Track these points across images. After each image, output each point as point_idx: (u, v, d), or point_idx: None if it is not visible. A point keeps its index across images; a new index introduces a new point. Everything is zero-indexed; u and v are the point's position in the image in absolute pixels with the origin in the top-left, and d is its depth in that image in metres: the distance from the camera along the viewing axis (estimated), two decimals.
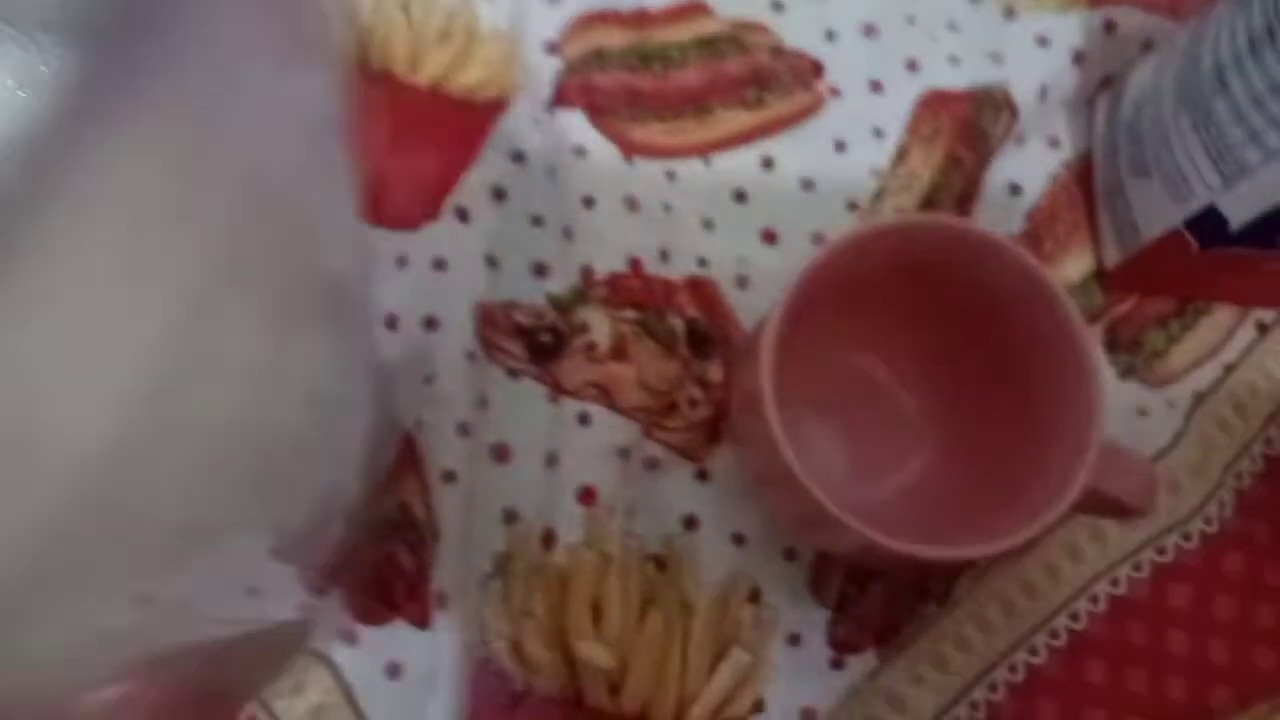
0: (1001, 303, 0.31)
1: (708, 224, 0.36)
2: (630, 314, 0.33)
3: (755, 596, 0.34)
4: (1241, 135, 0.31)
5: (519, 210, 0.35)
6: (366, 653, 0.32)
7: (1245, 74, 0.30)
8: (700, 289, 0.35)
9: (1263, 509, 0.36)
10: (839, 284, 0.30)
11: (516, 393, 0.34)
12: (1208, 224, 0.33)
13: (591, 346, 0.33)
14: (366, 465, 0.22)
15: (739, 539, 0.34)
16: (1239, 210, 0.32)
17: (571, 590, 0.32)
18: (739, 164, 0.37)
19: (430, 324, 0.33)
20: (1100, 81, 0.39)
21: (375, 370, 0.23)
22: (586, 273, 0.34)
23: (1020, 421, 0.31)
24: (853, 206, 0.37)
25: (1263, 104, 0.30)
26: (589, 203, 0.34)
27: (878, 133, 0.37)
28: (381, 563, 0.33)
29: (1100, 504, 0.29)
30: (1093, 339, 0.29)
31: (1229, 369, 0.38)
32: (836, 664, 0.33)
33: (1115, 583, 0.35)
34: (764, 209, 0.37)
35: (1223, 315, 0.38)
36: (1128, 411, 0.36)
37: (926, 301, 0.32)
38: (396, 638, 0.32)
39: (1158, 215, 0.35)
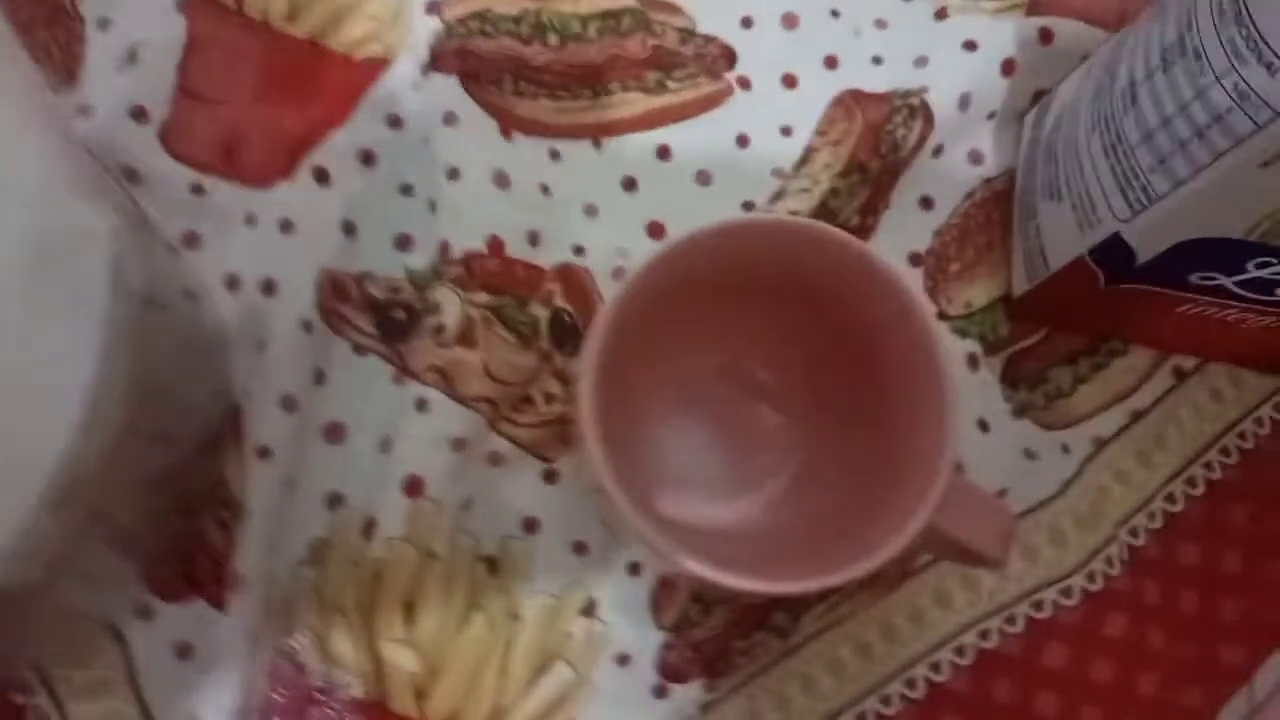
0: (863, 316, 0.29)
1: (590, 211, 0.34)
2: (483, 298, 0.32)
3: (590, 610, 0.32)
4: (1150, 160, 0.29)
5: (388, 178, 0.33)
6: (159, 629, 0.31)
7: (1155, 91, 0.28)
8: (572, 278, 0.33)
9: (1156, 569, 0.34)
10: (690, 285, 0.28)
11: (360, 370, 0.32)
12: (1113, 255, 0.31)
13: (439, 329, 0.31)
14: (97, 424, 0.21)
15: (580, 547, 0.32)
16: (1146, 242, 0.30)
17: (384, 586, 0.30)
18: (632, 150, 0.35)
19: (268, 288, 0.31)
20: (1032, 97, 0.37)
21: (111, 324, 0.21)
22: (443, 249, 0.32)
23: (880, 447, 0.29)
24: (748, 206, 0.35)
25: (1171, 125, 0.28)
26: (454, 174, 0.32)
27: (785, 130, 0.35)
28: (188, 536, 0.31)
29: (950, 548, 0.27)
30: (950, 364, 0.27)
31: (1137, 416, 0.36)
32: (660, 692, 0.31)
33: (985, 635, 0.33)
34: (654, 200, 0.35)
35: (1139, 358, 0.36)
36: (1014, 453, 0.34)
37: (791, 310, 0.30)
38: (193, 618, 0.31)
39: (1065, 243, 0.32)
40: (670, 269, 0.27)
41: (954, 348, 0.35)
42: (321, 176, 0.33)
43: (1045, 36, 0.36)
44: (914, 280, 0.35)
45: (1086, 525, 0.34)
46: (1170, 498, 0.35)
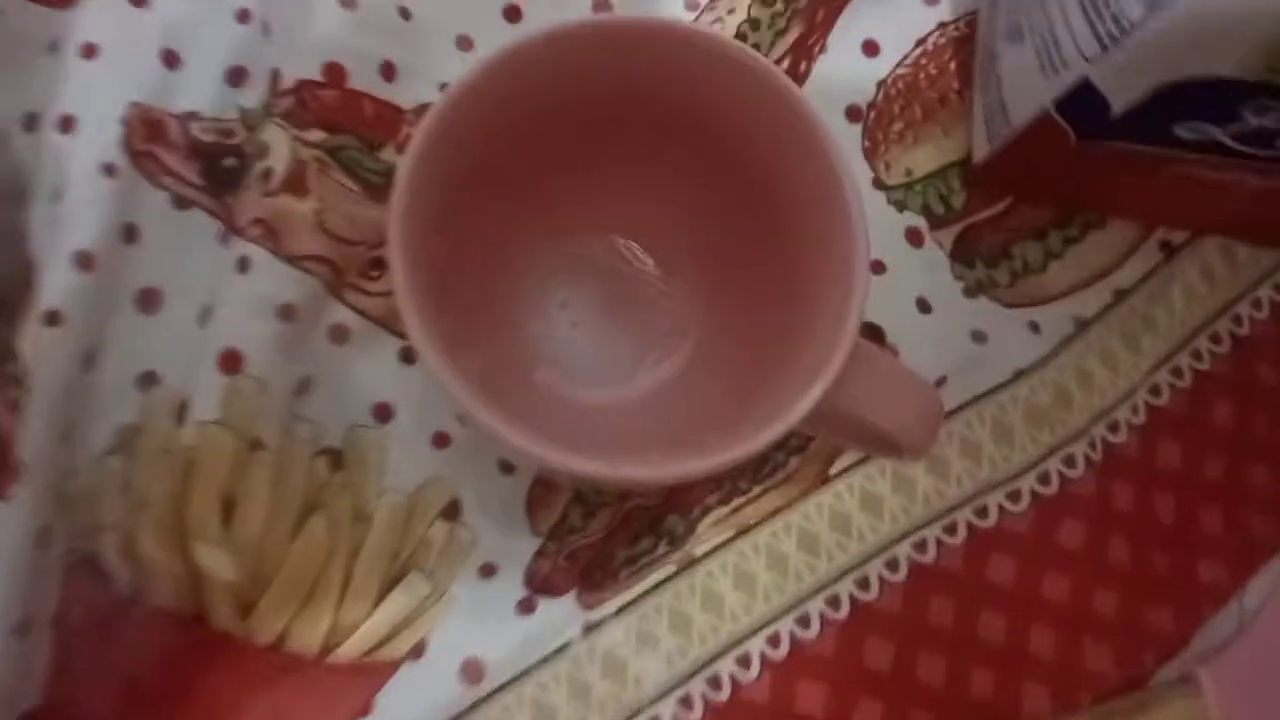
0: (764, 155, 0.24)
1: (462, 43, 0.29)
2: (317, 135, 0.26)
3: (452, 512, 0.27)
4: None
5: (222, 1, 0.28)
6: None
7: None
8: None
9: (1131, 471, 0.30)
10: (550, 107, 0.23)
11: (181, 227, 0.28)
12: (1084, 106, 0.26)
13: (266, 174, 0.26)
14: None
15: (442, 439, 0.28)
16: (1121, 89, 0.25)
17: (196, 478, 0.26)
18: None
19: (66, 125, 0.26)
20: None
21: None
22: (274, 78, 0.27)
23: (785, 318, 0.24)
24: None
25: None
26: None
27: None
28: None
29: (860, 433, 0.23)
30: (860, 209, 0.22)
31: (1122, 295, 0.31)
32: (526, 607, 0.27)
33: (920, 547, 0.29)
34: None
35: (1119, 231, 0.31)
36: (960, 335, 0.29)
37: (678, 148, 0.25)
38: None
39: (1028, 94, 0.27)
40: (518, 76, 0.21)
41: (891, 221, 0.30)
42: None
43: None
44: (850, 140, 0.30)
45: (1043, 419, 0.29)
46: (1155, 389, 0.30)
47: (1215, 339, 0.31)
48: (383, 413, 0.28)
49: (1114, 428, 0.30)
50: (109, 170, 0.27)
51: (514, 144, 0.24)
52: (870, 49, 0.31)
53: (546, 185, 0.26)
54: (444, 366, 0.20)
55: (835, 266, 0.22)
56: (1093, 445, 0.29)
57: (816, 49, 0.31)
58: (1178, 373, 0.31)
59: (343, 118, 0.27)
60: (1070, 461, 0.29)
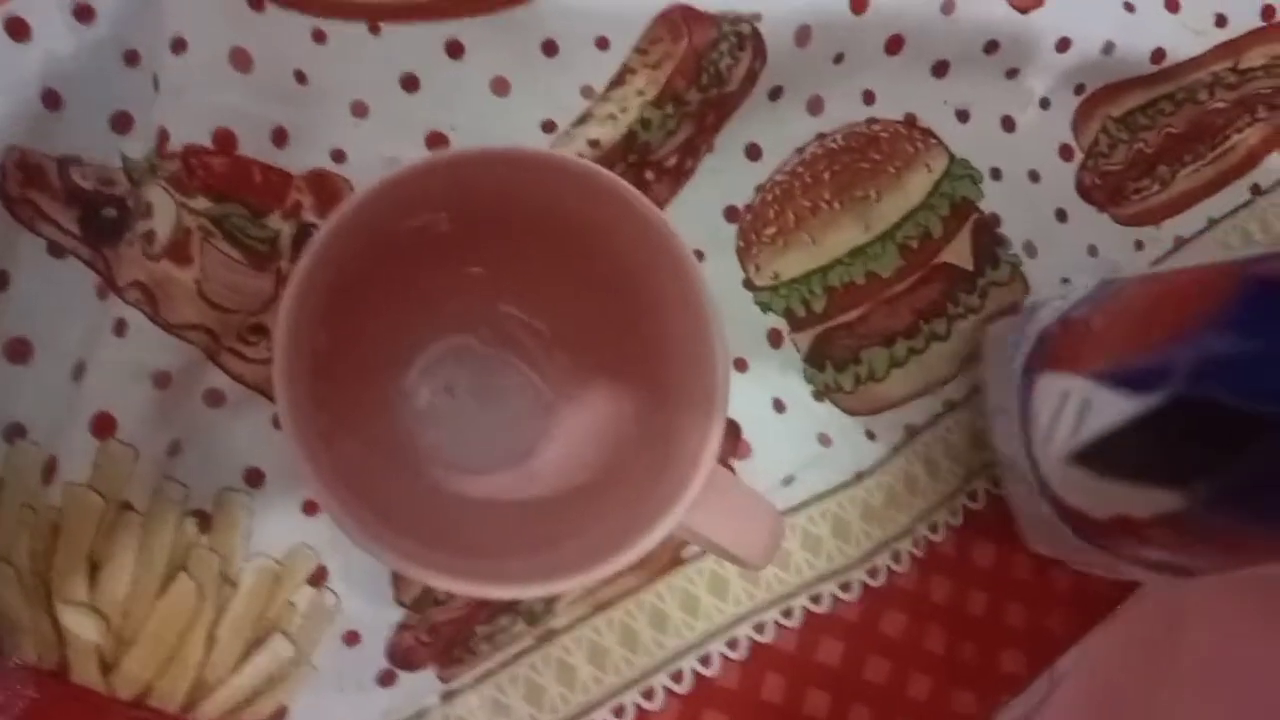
0: (635, 273, 0.27)
1: (358, 109, 0.31)
2: (202, 204, 0.28)
3: (319, 579, 0.29)
4: None
5: (108, 40, 0.29)
6: None
7: None
8: (326, 188, 0.30)
9: (948, 567, 0.34)
10: (434, 218, 0.25)
11: (55, 276, 0.28)
12: None
13: (149, 236, 0.27)
14: None
15: (312, 507, 0.30)
16: None
17: (62, 540, 0.27)
18: (417, 42, 0.31)
19: None
20: (886, 43, 0.35)
21: None
22: (161, 137, 0.28)
23: (647, 422, 0.28)
24: (549, 127, 0.32)
25: None
26: (179, 46, 0.28)
27: (601, 42, 0.32)
28: None
29: (710, 546, 0.26)
30: (725, 354, 0.25)
31: (951, 406, 0.35)
32: (385, 679, 0.29)
33: (760, 628, 0.32)
34: (438, 106, 0.31)
35: (959, 344, 0.35)
36: (808, 437, 0.33)
37: (556, 256, 0.28)
38: None
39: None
40: (402, 195, 0.24)
41: (756, 321, 0.33)
42: (18, 30, 0.28)
43: None
44: (725, 239, 0.33)
45: (875, 518, 0.34)
46: (973, 495, 0.35)
47: None
48: (254, 478, 0.29)
49: (934, 528, 0.34)
50: None
51: (395, 252, 0.27)
52: (753, 153, 0.34)
53: (426, 282, 0.28)
54: (306, 459, 0.22)
55: (698, 395, 0.25)
56: (916, 543, 0.34)
57: (703, 149, 0.33)
58: (996, 481, 0.35)
59: (230, 186, 0.28)
60: (897, 557, 0.34)
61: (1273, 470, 0.25)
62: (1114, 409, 0.28)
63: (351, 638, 0.30)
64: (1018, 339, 0.32)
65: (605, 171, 0.25)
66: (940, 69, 0.36)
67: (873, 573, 0.33)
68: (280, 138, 0.29)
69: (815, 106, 0.35)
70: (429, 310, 0.30)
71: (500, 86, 0.32)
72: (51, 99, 0.28)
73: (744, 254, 0.34)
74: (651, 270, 0.27)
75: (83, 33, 0.28)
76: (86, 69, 0.29)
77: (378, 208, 0.24)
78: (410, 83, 0.31)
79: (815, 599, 0.33)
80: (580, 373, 0.30)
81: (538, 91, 0.32)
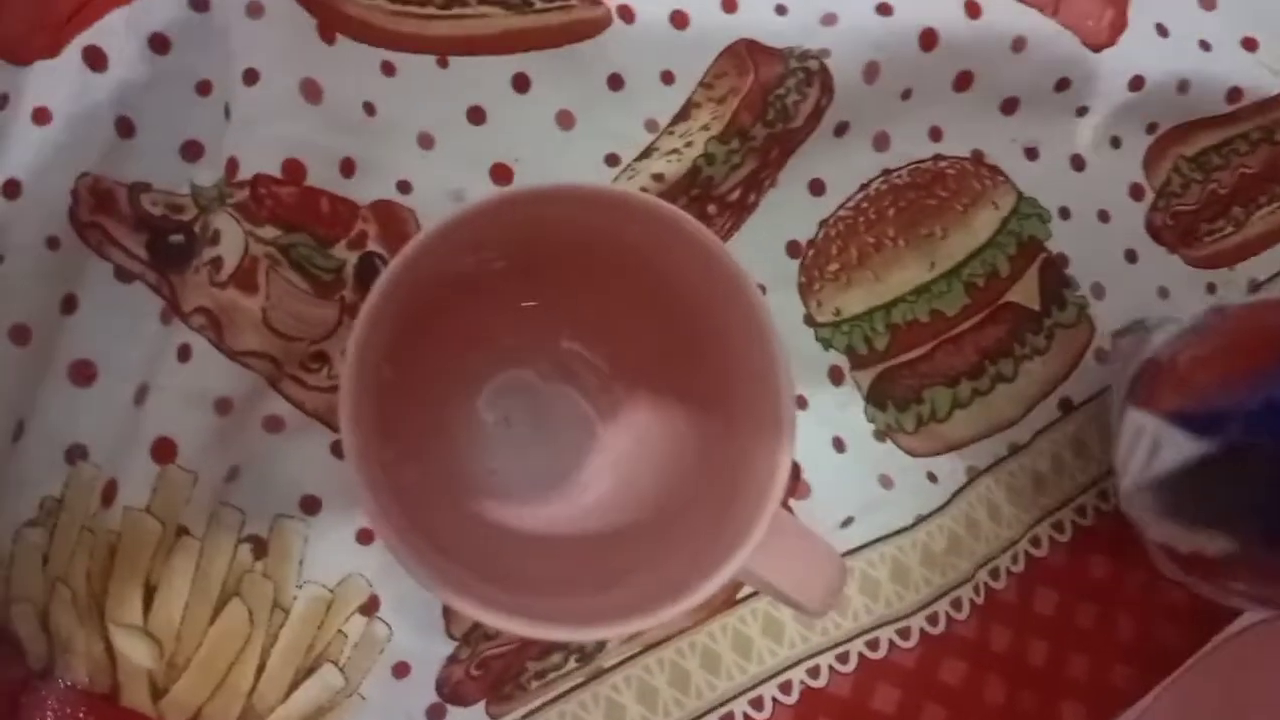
0: (701, 312, 0.27)
1: (424, 141, 0.31)
2: (270, 233, 0.28)
3: (370, 609, 0.29)
4: None
5: (181, 69, 0.30)
6: None
7: None
8: (391, 219, 0.30)
9: (1009, 615, 0.33)
10: (499, 253, 0.26)
11: (121, 300, 0.29)
12: None
13: (216, 263, 0.28)
14: None
15: (366, 536, 0.30)
16: None
17: (119, 563, 0.27)
18: (485, 76, 0.32)
19: (10, 190, 0.27)
20: (958, 76, 0.34)
21: None
22: (230, 167, 0.28)
23: (708, 460, 0.28)
24: (613, 161, 0.32)
25: None
26: (251, 77, 0.28)
27: (667, 77, 0.33)
28: None
29: (769, 590, 0.26)
30: (791, 390, 0.25)
31: (1015, 449, 0.34)
32: (434, 713, 0.29)
33: (814, 673, 0.32)
34: (504, 138, 0.32)
35: (1025, 385, 0.35)
36: (869, 478, 0.33)
37: (621, 293, 0.28)
38: None
39: None
40: (468, 231, 0.24)
41: (816, 358, 0.33)
42: (95, 59, 0.29)
43: (972, 9, 0.33)
44: (788, 274, 0.33)
45: (936, 563, 0.33)
46: (1036, 541, 0.34)
47: (1103, 495, 0.35)
48: (310, 505, 0.30)
49: (996, 574, 0.34)
50: (52, 243, 0.28)
51: (458, 286, 0.27)
52: (817, 188, 0.34)
53: (488, 316, 0.29)
54: (368, 491, 0.22)
55: (762, 436, 0.25)
56: (977, 590, 0.33)
57: (767, 183, 0.33)
58: (1059, 527, 0.34)
59: (298, 216, 0.29)
60: (957, 605, 0.33)
61: None
62: (1177, 451, 0.28)
63: (401, 669, 0.30)
64: (1128, 363, 0.32)
65: (669, 206, 0.25)
66: (1009, 106, 0.35)
67: (932, 619, 0.33)
68: (348, 168, 0.30)
69: (881, 142, 0.35)
70: (489, 343, 0.30)
71: (565, 120, 0.32)
72: (125, 126, 0.29)
73: (805, 290, 0.34)
74: (715, 305, 0.26)
75: (157, 63, 0.29)
76: (159, 98, 0.29)
77: (445, 243, 0.24)
78: (476, 115, 0.32)
79: (872, 645, 0.32)
80: (639, 408, 0.30)
81: (602, 125, 0.32)
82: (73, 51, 0.28)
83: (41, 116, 0.28)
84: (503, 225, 0.26)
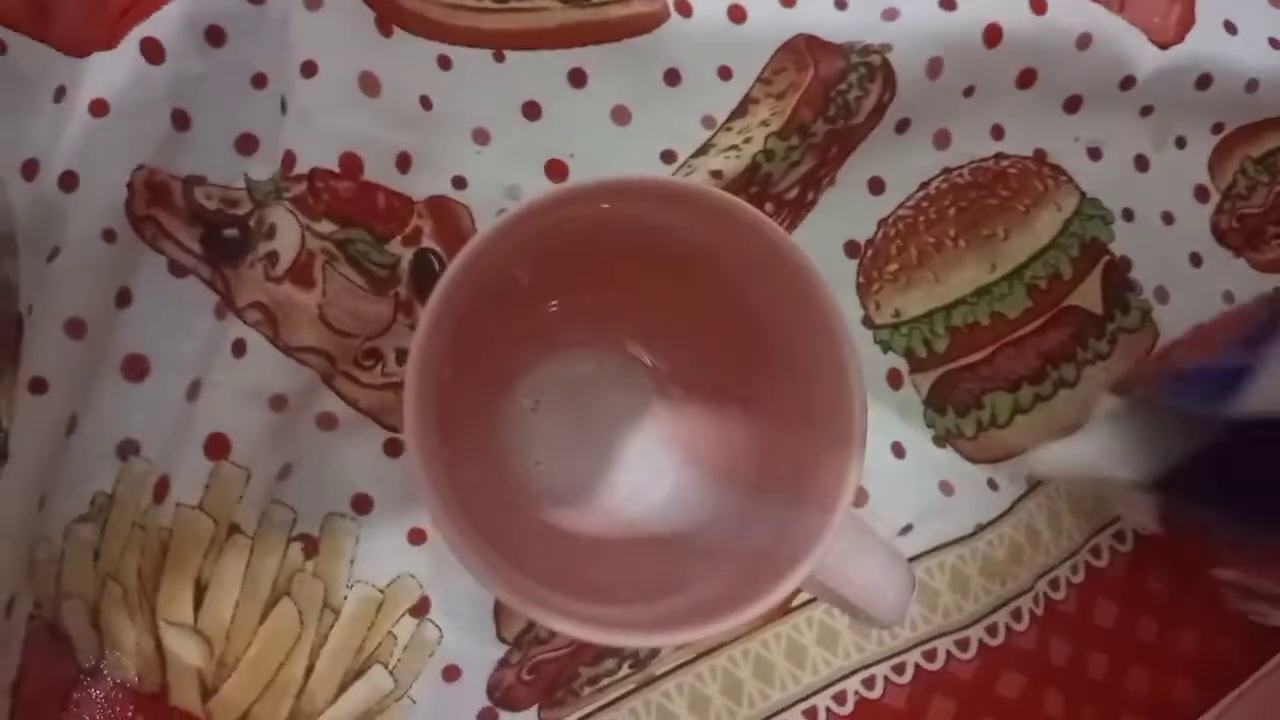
0: (766, 310, 0.26)
1: (480, 136, 0.31)
2: (327, 227, 0.28)
3: (421, 610, 0.29)
4: None
5: (237, 62, 0.30)
6: None
7: None
8: (446, 215, 0.30)
9: (1069, 627, 0.33)
10: (560, 249, 0.25)
11: (175, 294, 0.29)
12: None
13: (271, 258, 0.28)
14: None
15: (418, 535, 0.30)
16: None
17: (171, 560, 0.27)
18: (541, 70, 0.31)
19: (67, 181, 0.27)
20: (1021, 74, 0.34)
21: None
22: (287, 161, 0.28)
23: (770, 462, 0.27)
24: (669, 157, 0.32)
25: None
26: (309, 70, 0.28)
27: (724, 72, 0.32)
28: None
29: (835, 599, 0.25)
30: (863, 394, 0.24)
31: None
32: (485, 718, 0.29)
33: (869, 684, 0.32)
34: (559, 134, 0.31)
35: (1088, 393, 0.34)
36: (928, 484, 0.32)
37: (688, 291, 0.28)
38: None
39: None
40: (530, 231, 0.24)
41: (875, 361, 0.32)
42: (152, 51, 0.29)
43: (1037, 5, 0.33)
44: (846, 274, 0.33)
45: (996, 573, 0.33)
46: (1096, 551, 0.34)
47: None
48: (361, 504, 0.29)
49: (1056, 585, 0.33)
50: (108, 235, 0.28)
51: (515, 285, 0.27)
52: (876, 186, 0.34)
53: (544, 315, 0.28)
54: (433, 492, 0.22)
55: (830, 439, 0.25)
56: (1036, 601, 0.33)
57: (825, 181, 0.33)
58: (1121, 537, 0.34)
59: (355, 210, 0.29)
60: (1017, 615, 0.33)
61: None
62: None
63: (452, 673, 0.29)
64: None
65: (736, 199, 0.25)
66: (1072, 104, 0.35)
67: (991, 630, 0.32)
68: (404, 163, 0.30)
69: (942, 140, 0.34)
70: (544, 343, 0.30)
71: (621, 115, 0.32)
72: (180, 119, 0.29)
73: (864, 290, 0.33)
74: (781, 305, 0.26)
75: (213, 55, 0.29)
76: (215, 91, 0.29)
77: (503, 243, 0.24)
78: (532, 110, 0.31)
79: (929, 655, 0.32)
80: (696, 410, 0.30)
81: (658, 121, 0.32)
82: (130, 43, 0.28)
83: (98, 108, 0.28)
84: (560, 223, 0.26)
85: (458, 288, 0.24)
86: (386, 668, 0.29)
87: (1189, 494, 0.28)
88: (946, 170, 0.34)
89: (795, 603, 0.32)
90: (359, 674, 0.29)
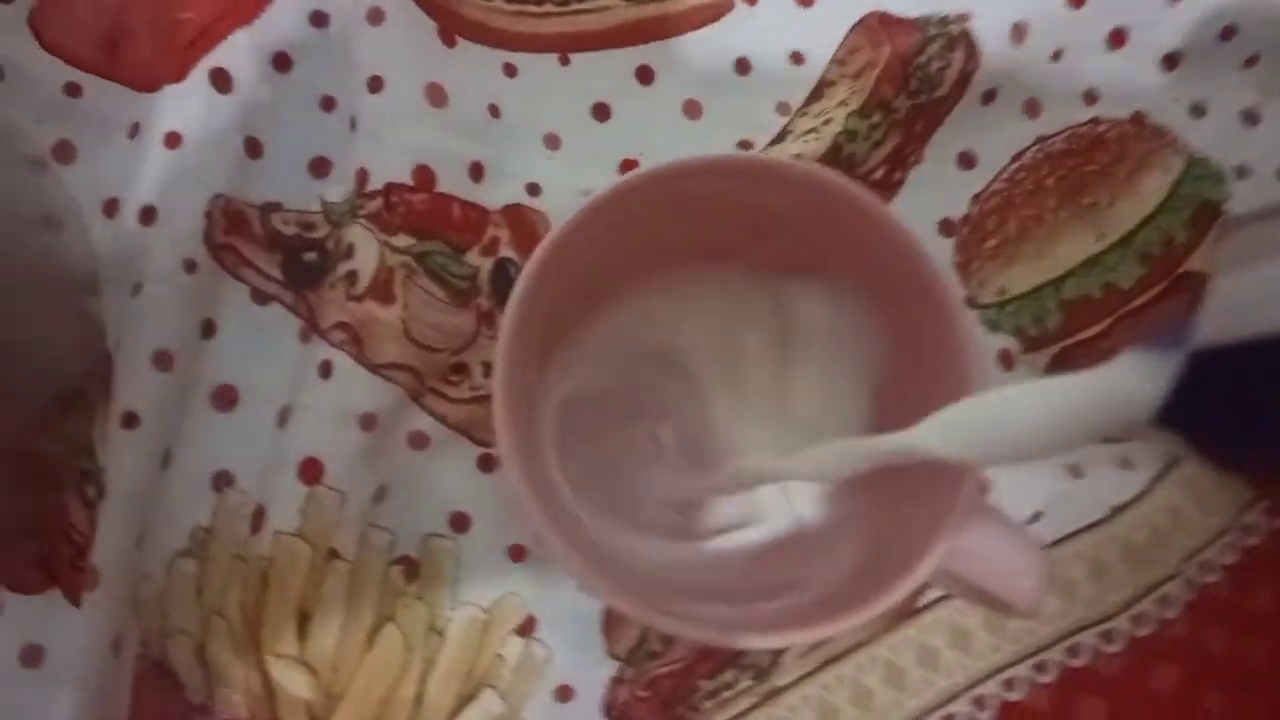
0: (879, 299, 0.25)
1: (550, 141, 0.31)
2: (405, 241, 0.28)
3: (527, 629, 0.28)
4: None
5: (305, 86, 0.30)
6: (3, 628, 0.27)
7: None
8: (523, 223, 0.30)
9: (1225, 613, 0.30)
10: (652, 236, 0.25)
11: (259, 322, 0.29)
12: None
13: (351, 277, 0.27)
14: None
15: (519, 552, 0.29)
16: None
17: (272, 590, 0.27)
18: (607, 70, 0.31)
19: (147, 216, 0.28)
20: (1111, 33, 0.32)
21: None
22: (360, 178, 0.28)
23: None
24: (745, 147, 0.31)
25: None
26: (376, 85, 0.28)
27: (796, 57, 0.32)
28: (45, 515, 0.27)
29: (967, 590, 0.24)
30: (978, 367, 0.23)
31: None
32: None
33: (1009, 685, 0.30)
34: (630, 132, 0.31)
35: None
36: (1054, 468, 0.30)
37: (791, 277, 0.26)
38: (45, 614, 0.27)
39: None
40: (623, 212, 0.23)
41: (982, 342, 0.31)
42: (221, 81, 0.29)
43: None
44: (942, 254, 0.32)
45: (1139, 558, 0.30)
46: (1249, 528, 0.31)
47: None
48: (459, 523, 0.29)
49: (1207, 568, 0.31)
50: (190, 266, 0.28)
51: (612, 260, 0.26)
52: (966, 161, 0.32)
53: (634, 309, 0.28)
54: (538, 509, 0.21)
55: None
56: (1187, 586, 0.30)
57: (912, 159, 0.32)
58: (1275, 511, 0.32)
59: (431, 223, 0.28)
60: (1165, 602, 0.30)
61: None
62: None
63: (564, 693, 0.28)
64: None
65: (832, 172, 0.24)
66: (1170, 61, 0.33)
67: (1138, 620, 0.30)
68: (477, 173, 0.29)
69: (1032, 109, 0.33)
70: (632, 341, 0.29)
71: (692, 110, 0.31)
72: (253, 147, 0.29)
73: (963, 270, 0.32)
74: (884, 284, 0.25)
75: (280, 81, 0.30)
76: (285, 116, 0.30)
77: (579, 238, 0.23)
78: (601, 112, 0.31)
79: (1072, 651, 0.30)
80: None
81: (732, 112, 0.31)
82: (199, 75, 0.29)
83: (173, 141, 0.29)
84: (638, 210, 0.25)
85: (534, 291, 0.23)
86: (497, 691, 0.28)
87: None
88: (1040, 139, 0.33)
89: (921, 603, 0.30)
90: (469, 699, 0.28)
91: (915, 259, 0.24)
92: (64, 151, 0.29)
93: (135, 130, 0.29)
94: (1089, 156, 0.33)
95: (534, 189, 0.30)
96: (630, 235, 0.26)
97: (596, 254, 0.25)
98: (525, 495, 0.22)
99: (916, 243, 0.24)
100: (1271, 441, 0.17)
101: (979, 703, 0.30)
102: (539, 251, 0.23)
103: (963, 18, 0.31)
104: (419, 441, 0.29)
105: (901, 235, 0.24)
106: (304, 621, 0.27)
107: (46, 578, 0.28)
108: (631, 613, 0.22)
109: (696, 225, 0.26)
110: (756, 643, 0.23)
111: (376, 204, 0.28)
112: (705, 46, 0.31)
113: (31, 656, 0.27)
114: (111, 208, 0.29)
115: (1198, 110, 0.34)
